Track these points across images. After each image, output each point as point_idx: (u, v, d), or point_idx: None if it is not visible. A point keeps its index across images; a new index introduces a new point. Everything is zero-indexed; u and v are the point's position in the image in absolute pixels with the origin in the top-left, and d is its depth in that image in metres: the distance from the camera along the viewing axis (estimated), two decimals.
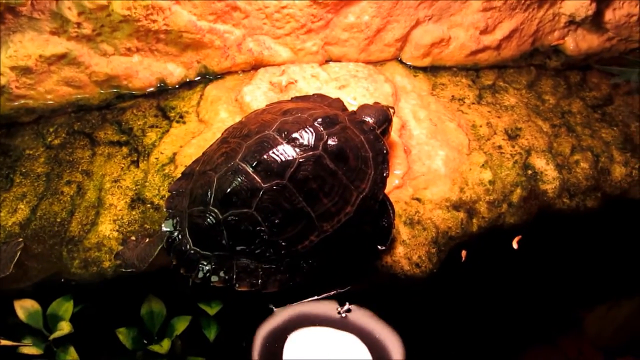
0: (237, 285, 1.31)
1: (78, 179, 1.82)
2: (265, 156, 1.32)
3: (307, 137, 1.36)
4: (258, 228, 1.30)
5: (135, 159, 1.84)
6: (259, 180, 1.30)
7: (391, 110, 1.68)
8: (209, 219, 1.32)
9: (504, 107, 2.13)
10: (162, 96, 2.04)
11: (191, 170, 1.49)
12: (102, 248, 1.64)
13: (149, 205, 1.70)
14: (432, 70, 2.22)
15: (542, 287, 1.72)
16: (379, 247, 1.56)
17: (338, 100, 1.68)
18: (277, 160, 1.32)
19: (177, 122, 1.95)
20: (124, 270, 1.53)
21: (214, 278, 1.31)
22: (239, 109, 1.95)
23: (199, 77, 2.10)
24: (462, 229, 1.74)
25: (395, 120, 1.92)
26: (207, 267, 1.31)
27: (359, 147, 1.45)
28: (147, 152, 1.86)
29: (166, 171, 1.80)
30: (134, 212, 1.70)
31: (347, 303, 1.52)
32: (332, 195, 1.36)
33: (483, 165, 1.88)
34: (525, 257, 1.76)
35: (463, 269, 1.70)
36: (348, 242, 1.42)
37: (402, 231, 1.67)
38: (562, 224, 1.86)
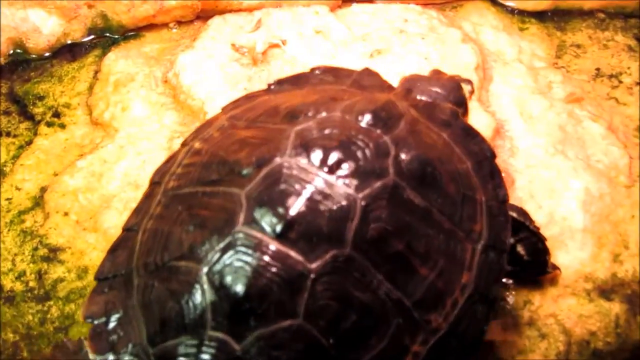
0: None
1: None
2: (297, 207, 1.35)
3: (361, 154, 1.41)
4: (317, 352, 1.32)
5: None
6: (300, 258, 1.33)
7: (467, 87, 1.75)
8: (212, 358, 1.33)
9: None
10: (18, 74, 2.07)
11: (120, 266, 1.51)
12: None
13: None
14: (555, 17, 2.23)
15: None
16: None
17: (369, 72, 1.71)
18: (322, 211, 1.35)
19: (49, 125, 1.98)
20: None
21: None
22: (171, 97, 1.97)
23: (91, 37, 2.13)
24: (617, 337, 1.71)
25: (482, 118, 1.91)
26: None
27: (449, 156, 1.51)
28: None
29: (27, 224, 1.79)
30: None
31: None
32: (432, 258, 1.41)
33: None
34: None
35: None
36: (475, 340, 1.46)
37: (500, 340, 1.67)
38: None
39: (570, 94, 2.00)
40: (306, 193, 1.34)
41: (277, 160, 1.38)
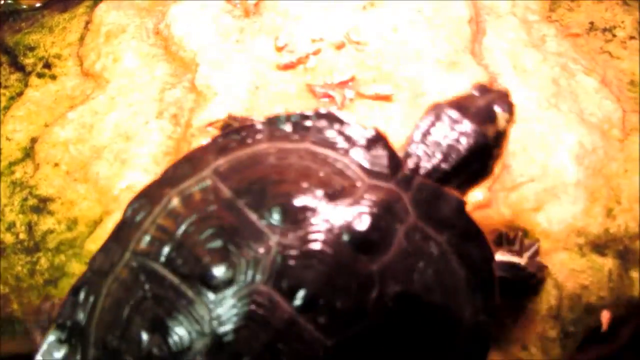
0: None
1: None
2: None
3: (340, 290, 1.30)
4: None
5: None
6: None
7: (504, 116, 1.58)
8: None
9: None
10: (9, 25, 2.06)
11: (80, 317, 1.41)
12: None
13: None
14: None
15: None
16: None
17: (374, 138, 1.51)
18: None
19: (40, 76, 1.97)
20: None
21: None
22: (163, 49, 1.97)
23: None
24: (610, 291, 1.71)
25: (475, 72, 1.90)
26: None
27: (441, 273, 1.43)
28: None
29: (17, 176, 1.80)
30: None
31: None
32: None
33: None
34: None
35: None
36: None
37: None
38: None
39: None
40: (271, 341, 1.26)
41: (249, 284, 1.30)
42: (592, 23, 2.12)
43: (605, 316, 1.68)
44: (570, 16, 2.13)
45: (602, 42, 2.09)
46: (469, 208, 1.57)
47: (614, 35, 2.10)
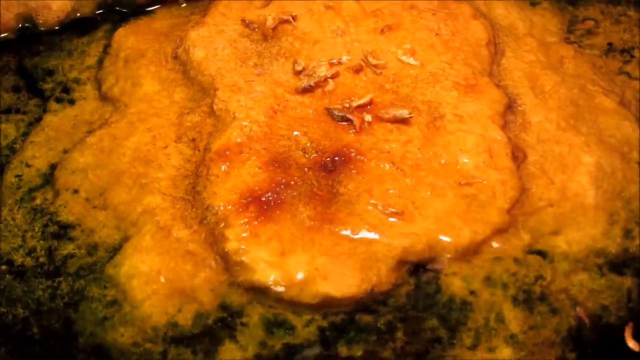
0: None
1: None
2: None
3: None
4: None
5: None
6: None
7: None
8: None
9: None
10: (27, 49, 2.05)
11: None
12: None
13: (4, 267, 1.72)
14: None
15: None
16: None
17: None
18: None
19: (58, 100, 1.96)
20: None
21: None
22: (181, 73, 1.97)
23: (101, 11, 2.11)
24: (629, 312, 1.71)
25: (493, 93, 1.90)
26: None
27: None
28: None
29: (37, 202, 1.80)
30: None
31: None
32: None
33: None
34: None
35: None
36: None
37: (510, 316, 1.67)
38: None
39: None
40: None
41: None
42: (610, 44, 2.12)
43: (628, 331, 1.67)
44: (588, 37, 2.13)
45: (620, 63, 2.09)
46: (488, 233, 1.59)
47: (632, 56, 2.10)
